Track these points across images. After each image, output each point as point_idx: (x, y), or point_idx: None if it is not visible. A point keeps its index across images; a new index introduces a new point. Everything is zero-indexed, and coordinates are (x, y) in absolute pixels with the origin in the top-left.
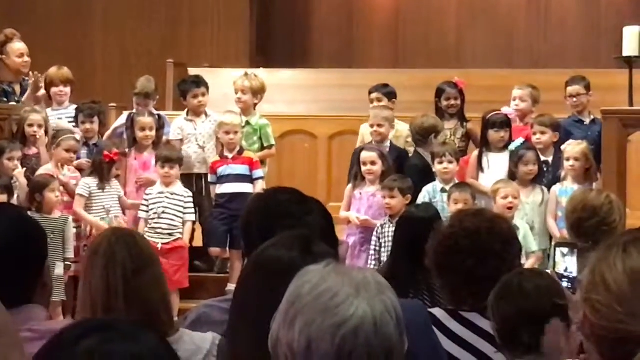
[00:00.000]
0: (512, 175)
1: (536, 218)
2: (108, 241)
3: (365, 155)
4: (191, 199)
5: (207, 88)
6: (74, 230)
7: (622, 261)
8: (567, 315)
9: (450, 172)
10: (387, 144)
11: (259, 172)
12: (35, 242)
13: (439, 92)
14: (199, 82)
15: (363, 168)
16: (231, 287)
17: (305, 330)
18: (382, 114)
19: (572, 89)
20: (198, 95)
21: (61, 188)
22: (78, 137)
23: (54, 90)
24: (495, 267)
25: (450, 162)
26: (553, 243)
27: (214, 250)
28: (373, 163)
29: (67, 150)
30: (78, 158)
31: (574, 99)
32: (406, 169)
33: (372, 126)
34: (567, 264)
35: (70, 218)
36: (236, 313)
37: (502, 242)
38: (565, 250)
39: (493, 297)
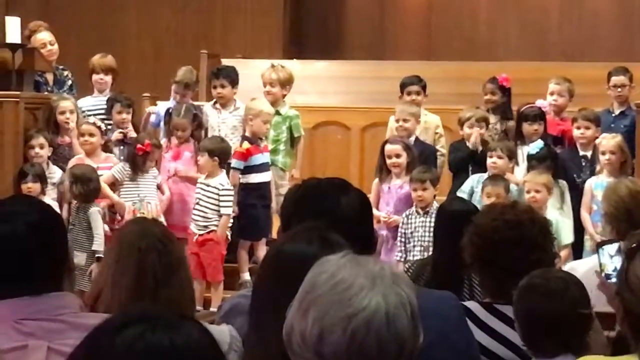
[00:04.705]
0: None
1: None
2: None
3: (389, 147)
4: (228, 192)
5: (231, 80)
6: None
7: None
8: (589, 325)
9: (498, 168)
10: (412, 138)
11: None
12: (58, 228)
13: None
14: (218, 73)
15: (388, 161)
16: (244, 276)
17: (318, 320)
18: (409, 109)
19: (617, 79)
20: (217, 86)
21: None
22: (98, 122)
23: (94, 77)
24: (539, 258)
25: (500, 158)
26: (586, 238)
27: None
28: (398, 155)
29: (82, 134)
30: (107, 145)
31: (619, 89)
32: None
33: (397, 121)
34: (615, 263)
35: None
36: (260, 308)
37: (543, 233)
38: (613, 250)
39: (517, 297)
